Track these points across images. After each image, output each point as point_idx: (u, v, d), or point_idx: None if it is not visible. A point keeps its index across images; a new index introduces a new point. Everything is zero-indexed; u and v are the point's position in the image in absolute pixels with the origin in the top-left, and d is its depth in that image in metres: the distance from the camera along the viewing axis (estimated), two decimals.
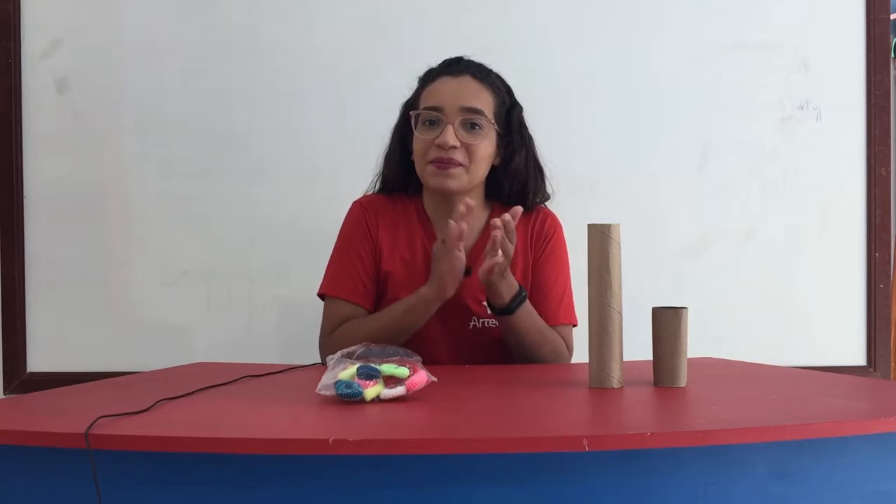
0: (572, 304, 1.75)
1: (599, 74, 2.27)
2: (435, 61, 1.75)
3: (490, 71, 1.73)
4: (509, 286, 1.57)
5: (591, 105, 2.27)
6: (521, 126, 1.74)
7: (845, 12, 2.32)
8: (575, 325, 1.75)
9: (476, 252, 1.69)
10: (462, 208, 1.51)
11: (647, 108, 2.28)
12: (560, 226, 1.77)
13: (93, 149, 2.23)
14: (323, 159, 2.22)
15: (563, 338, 1.71)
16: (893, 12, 2.34)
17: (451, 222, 1.50)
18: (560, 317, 1.72)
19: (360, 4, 2.24)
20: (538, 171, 1.75)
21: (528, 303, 1.62)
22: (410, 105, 1.73)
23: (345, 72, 2.23)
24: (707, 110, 2.29)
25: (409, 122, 1.69)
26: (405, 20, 2.24)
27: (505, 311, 1.59)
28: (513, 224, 1.50)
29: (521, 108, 1.74)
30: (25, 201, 2.22)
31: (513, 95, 1.74)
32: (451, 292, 1.56)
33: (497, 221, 1.48)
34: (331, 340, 1.67)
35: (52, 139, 2.23)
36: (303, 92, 2.23)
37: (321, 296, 1.74)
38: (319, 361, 1.65)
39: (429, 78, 1.71)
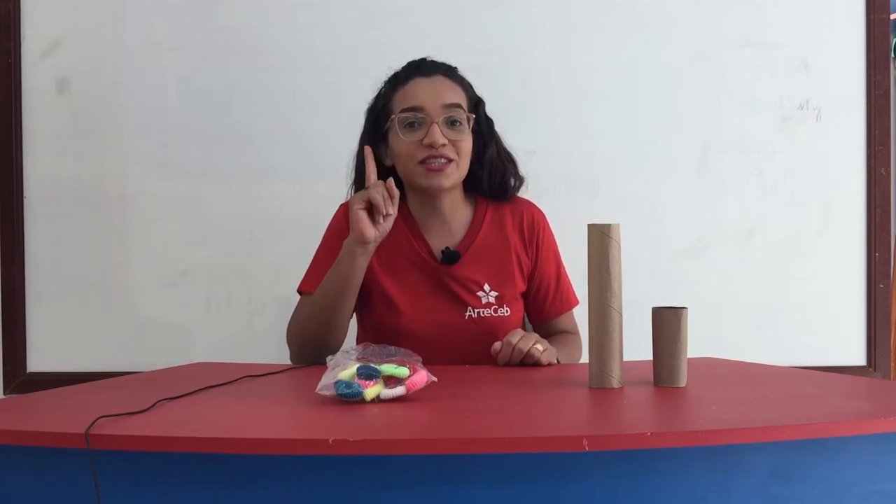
0: (571, 286, 1.80)
1: (599, 74, 2.27)
2: (435, 58, 1.75)
3: (456, 68, 1.74)
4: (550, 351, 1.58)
5: (592, 105, 2.27)
6: (488, 119, 1.76)
7: (845, 12, 2.32)
8: (577, 304, 1.79)
9: (466, 244, 1.72)
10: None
11: (647, 108, 2.28)
12: (543, 215, 1.79)
13: (93, 149, 2.23)
14: (323, 159, 2.21)
15: (569, 328, 1.78)
16: (893, 12, 2.34)
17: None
18: (571, 301, 1.79)
19: (360, 4, 2.25)
20: (510, 159, 1.77)
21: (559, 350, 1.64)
22: (379, 111, 1.72)
23: (345, 72, 2.23)
24: (707, 110, 2.29)
25: (379, 127, 1.70)
26: (405, 20, 2.24)
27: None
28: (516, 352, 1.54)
29: (484, 103, 1.76)
30: (25, 201, 2.22)
31: (475, 90, 1.75)
32: (367, 234, 1.55)
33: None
34: (288, 326, 1.71)
35: (52, 139, 2.23)
36: (303, 92, 2.23)
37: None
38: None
39: (398, 81, 1.70)
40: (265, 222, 2.23)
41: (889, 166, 2.33)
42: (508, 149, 1.78)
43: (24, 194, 2.22)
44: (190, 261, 2.23)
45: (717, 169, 2.30)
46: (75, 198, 2.22)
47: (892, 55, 2.34)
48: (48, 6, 2.23)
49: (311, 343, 1.63)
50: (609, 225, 1.30)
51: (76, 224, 2.22)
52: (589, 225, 1.31)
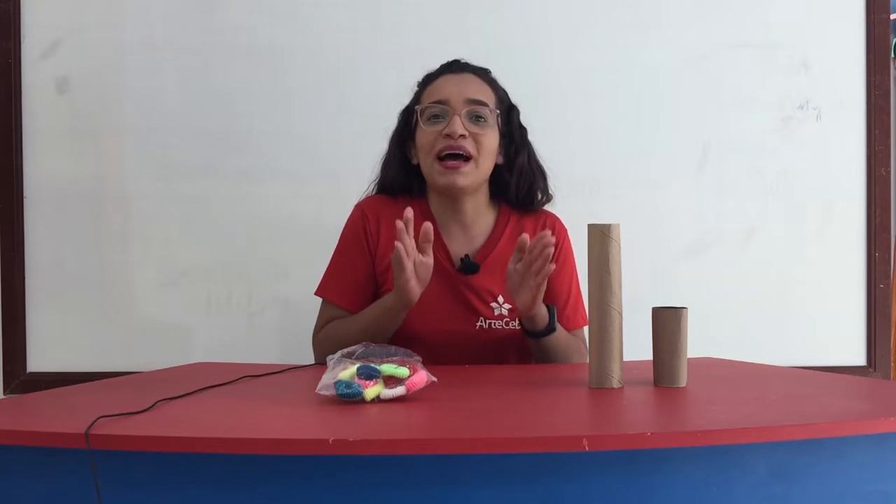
0: (583, 305, 1.76)
1: (600, 74, 2.27)
2: (435, 61, 1.77)
3: (489, 71, 1.76)
4: (542, 314, 1.58)
5: (592, 105, 2.27)
6: (521, 127, 1.76)
7: (845, 12, 2.32)
8: (585, 325, 1.75)
9: (484, 253, 1.71)
10: (403, 221, 1.47)
11: (647, 108, 2.28)
12: (566, 230, 1.78)
13: (93, 149, 2.23)
14: (323, 159, 2.22)
15: (581, 340, 1.73)
16: (893, 12, 2.34)
17: (398, 244, 1.46)
18: (578, 321, 1.74)
19: (360, 4, 2.24)
20: (541, 171, 1.77)
21: (559, 325, 1.63)
22: (411, 108, 1.74)
23: (345, 72, 2.23)
24: (707, 110, 2.29)
25: (409, 126, 1.71)
26: (405, 20, 2.24)
27: (537, 335, 1.60)
28: (551, 248, 1.47)
29: (518, 111, 1.76)
30: (25, 201, 2.22)
31: (510, 97, 1.76)
32: (415, 300, 1.54)
33: (543, 240, 1.47)
34: (315, 342, 1.71)
35: (52, 139, 2.22)
36: (303, 92, 2.23)
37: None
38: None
39: (429, 79, 1.73)
40: (265, 222, 2.23)
41: (889, 166, 2.33)
42: (541, 162, 1.77)
43: (24, 194, 2.22)
44: (190, 261, 2.23)
45: (717, 169, 2.30)
46: (75, 198, 2.22)
47: (892, 55, 2.34)
48: (48, 6, 2.23)
49: None
50: (609, 225, 1.30)
51: (76, 224, 2.22)
52: (589, 225, 1.31)
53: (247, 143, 2.23)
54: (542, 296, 1.52)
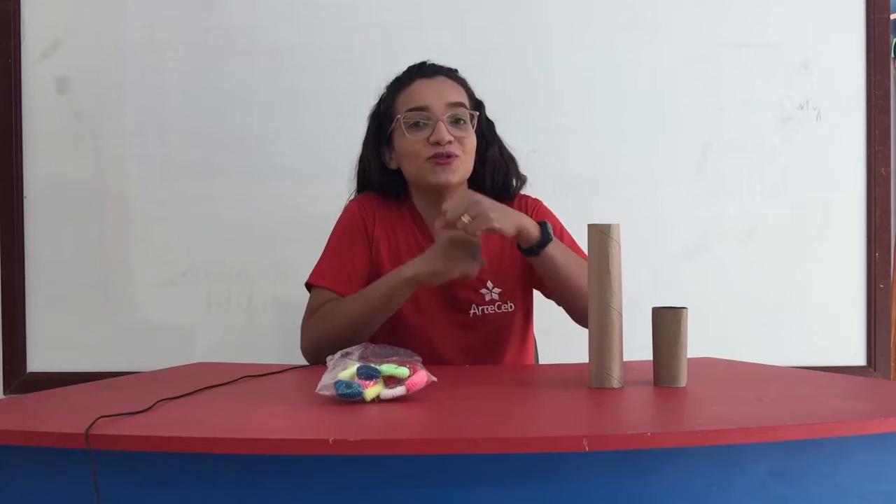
0: (580, 249, 1.71)
1: (599, 74, 2.27)
2: (435, 61, 1.76)
3: (456, 70, 1.75)
4: (532, 224, 1.55)
5: (591, 105, 2.27)
6: (489, 121, 1.77)
7: (845, 12, 2.32)
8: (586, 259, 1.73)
9: None
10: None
11: (647, 108, 2.28)
12: (540, 202, 1.78)
13: (93, 149, 2.23)
14: (323, 159, 2.22)
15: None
16: (893, 12, 2.34)
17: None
18: (578, 252, 1.70)
19: (360, 4, 2.25)
20: (512, 159, 1.78)
21: (555, 239, 1.59)
22: (382, 115, 1.73)
23: (345, 72, 2.23)
24: (707, 110, 2.30)
25: (383, 131, 1.71)
26: (405, 20, 2.24)
27: (541, 244, 1.56)
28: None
29: (483, 105, 1.77)
30: (25, 201, 2.22)
31: (476, 93, 1.76)
32: (435, 282, 1.55)
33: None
34: (312, 321, 1.65)
35: (52, 139, 2.23)
36: (303, 92, 2.23)
37: (308, 287, 1.71)
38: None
39: (400, 84, 1.72)
40: (265, 222, 2.23)
41: (889, 166, 2.33)
42: (509, 149, 1.78)
43: (24, 194, 2.22)
44: (190, 261, 2.23)
45: (717, 169, 2.30)
46: (75, 198, 2.22)
47: (892, 55, 2.34)
48: (48, 6, 2.23)
49: (338, 345, 1.57)
50: (609, 225, 1.30)
51: (76, 224, 2.23)
52: (589, 225, 1.31)
53: (246, 143, 2.23)
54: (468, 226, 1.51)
